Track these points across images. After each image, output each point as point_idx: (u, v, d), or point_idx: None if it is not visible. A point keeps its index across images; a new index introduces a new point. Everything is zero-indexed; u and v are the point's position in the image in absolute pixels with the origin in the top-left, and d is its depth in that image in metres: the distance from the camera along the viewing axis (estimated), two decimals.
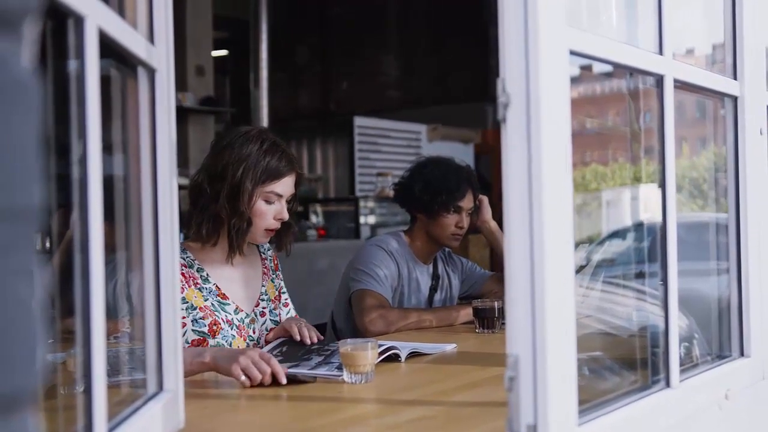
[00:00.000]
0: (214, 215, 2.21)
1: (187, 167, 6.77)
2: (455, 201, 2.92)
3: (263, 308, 2.36)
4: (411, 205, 3.03)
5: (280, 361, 1.97)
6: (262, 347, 2.29)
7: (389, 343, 2.19)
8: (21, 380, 0.56)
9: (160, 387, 1.36)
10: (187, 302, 2.18)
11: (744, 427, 1.79)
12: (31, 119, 0.57)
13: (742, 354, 1.79)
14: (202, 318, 2.19)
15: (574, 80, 1.22)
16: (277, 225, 2.27)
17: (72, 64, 0.97)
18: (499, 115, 1.17)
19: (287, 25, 9.36)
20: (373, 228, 6.98)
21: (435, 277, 3.08)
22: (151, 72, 1.33)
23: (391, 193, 4.13)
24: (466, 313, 2.80)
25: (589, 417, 1.25)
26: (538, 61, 1.13)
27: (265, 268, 2.43)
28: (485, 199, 3.09)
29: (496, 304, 2.65)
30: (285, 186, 2.26)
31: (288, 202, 2.30)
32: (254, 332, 2.31)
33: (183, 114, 6.90)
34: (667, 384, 1.49)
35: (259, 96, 7.83)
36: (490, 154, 7.88)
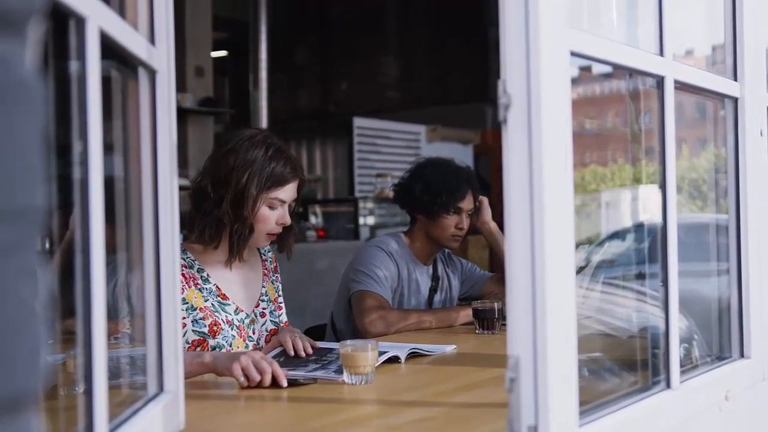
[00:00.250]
0: (217, 220, 2.20)
1: (187, 168, 6.77)
2: (455, 202, 2.92)
3: (263, 309, 2.36)
4: (411, 206, 3.03)
5: (280, 366, 1.97)
6: (261, 348, 2.29)
7: (388, 346, 2.19)
8: (24, 381, 0.56)
9: (161, 388, 1.36)
10: (187, 303, 2.18)
11: (744, 428, 1.79)
12: (35, 120, 0.57)
13: (742, 355, 1.79)
14: (202, 318, 2.19)
15: (574, 81, 1.22)
16: (278, 229, 2.27)
17: (73, 65, 0.97)
18: (500, 116, 1.17)
19: (287, 25, 9.36)
20: (373, 229, 6.98)
21: (435, 278, 3.08)
22: (152, 73, 1.33)
23: (390, 193, 4.13)
24: (466, 314, 2.80)
25: (590, 418, 1.25)
26: (539, 63, 1.13)
27: (266, 269, 2.43)
28: (485, 200, 3.09)
29: (495, 305, 2.65)
30: (289, 192, 2.26)
31: (289, 206, 2.30)
32: (254, 333, 2.31)
33: (182, 115, 6.90)
34: (668, 385, 1.49)
35: (259, 97, 7.83)
36: (489, 155, 7.88)
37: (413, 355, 2.19)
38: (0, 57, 0.54)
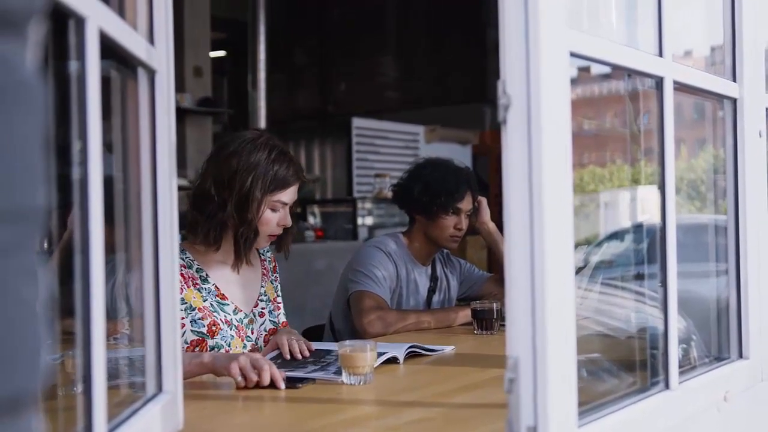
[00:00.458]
0: (221, 223, 2.21)
1: (185, 168, 6.77)
2: (454, 202, 2.92)
3: (262, 309, 2.36)
4: (410, 206, 3.03)
5: (277, 367, 1.97)
6: (260, 348, 2.29)
7: (387, 346, 2.19)
8: (25, 381, 0.56)
9: (159, 388, 1.36)
10: (186, 303, 2.18)
11: (743, 429, 1.79)
12: (35, 120, 0.57)
13: (740, 356, 1.79)
14: (201, 318, 2.19)
15: (572, 82, 1.22)
16: (279, 231, 2.28)
17: (73, 65, 0.97)
18: (499, 116, 1.17)
19: (285, 26, 9.36)
20: (371, 229, 6.97)
21: (433, 278, 3.08)
22: (151, 73, 1.33)
23: (389, 194, 4.13)
24: (465, 315, 2.80)
25: (589, 418, 1.25)
26: (539, 63, 1.13)
27: (265, 269, 2.43)
28: (484, 201, 3.08)
29: (494, 305, 2.65)
30: (291, 195, 2.27)
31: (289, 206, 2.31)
32: (252, 333, 2.31)
33: (181, 115, 6.90)
34: (666, 386, 1.49)
35: (257, 97, 7.83)
36: (487, 156, 7.88)
37: (412, 356, 2.19)
38: (1, 57, 0.54)
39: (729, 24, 1.80)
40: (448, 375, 2.08)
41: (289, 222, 2.28)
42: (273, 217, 2.24)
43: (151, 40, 1.33)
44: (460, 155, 6.88)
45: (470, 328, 2.70)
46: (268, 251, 2.46)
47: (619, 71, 1.58)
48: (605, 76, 1.70)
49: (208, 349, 2.16)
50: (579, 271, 1.85)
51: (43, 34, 0.63)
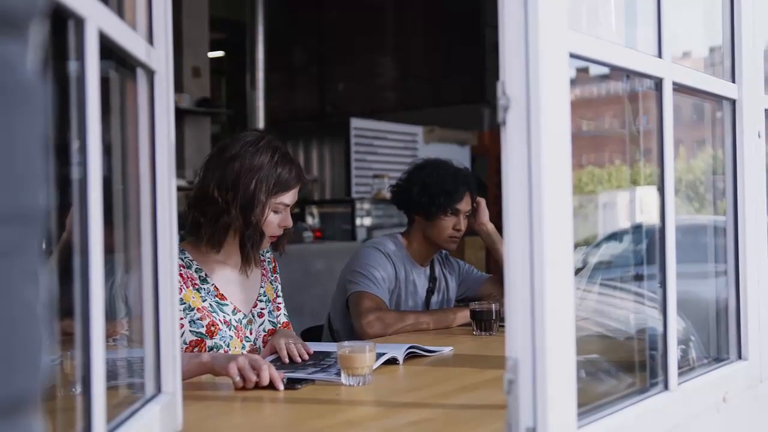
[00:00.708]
0: (226, 226, 2.21)
1: (183, 168, 6.76)
2: (453, 203, 2.91)
3: (261, 309, 2.36)
4: (408, 207, 3.02)
5: (277, 368, 1.97)
6: (259, 349, 2.29)
7: (387, 346, 2.19)
8: (26, 382, 0.56)
9: (159, 389, 1.36)
10: (185, 303, 2.17)
11: (742, 430, 1.80)
12: (37, 122, 0.57)
13: (739, 357, 1.79)
14: (200, 319, 2.19)
15: (571, 82, 1.22)
16: (280, 232, 2.29)
17: (72, 66, 0.97)
18: (499, 117, 1.17)
19: (284, 26, 9.36)
20: (370, 230, 6.97)
21: (432, 279, 3.08)
22: (150, 73, 1.33)
23: (387, 194, 4.13)
24: (464, 316, 2.80)
25: (589, 419, 1.25)
26: (539, 64, 1.13)
27: (264, 269, 2.43)
28: (483, 202, 3.08)
29: (493, 306, 2.65)
30: (293, 196, 2.28)
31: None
32: (251, 333, 2.31)
33: (179, 115, 6.89)
34: (666, 387, 1.49)
35: (256, 97, 7.82)
36: (486, 157, 7.88)
37: (411, 357, 2.19)
38: (3, 58, 0.54)
39: (728, 25, 1.80)
40: (448, 376, 2.08)
41: (290, 223, 2.29)
42: (275, 219, 2.25)
43: (150, 40, 1.33)
44: (459, 156, 6.88)
45: (469, 329, 2.70)
46: (267, 251, 2.46)
47: (617, 72, 1.58)
48: (603, 77, 1.70)
49: (207, 349, 2.16)
50: (578, 272, 1.85)
51: (44, 34, 0.63)
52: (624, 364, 1.69)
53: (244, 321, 2.29)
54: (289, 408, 1.78)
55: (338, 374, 1.89)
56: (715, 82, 1.77)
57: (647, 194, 1.73)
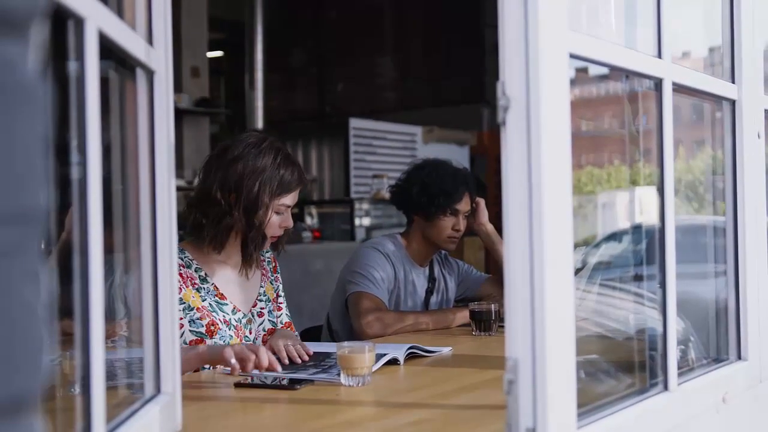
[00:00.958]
0: (228, 227, 2.22)
1: (182, 168, 6.76)
2: (452, 204, 2.91)
3: (261, 308, 2.37)
4: (408, 207, 3.02)
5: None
6: None
7: (386, 347, 2.18)
8: (27, 382, 0.56)
9: (158, 390, 1.36)
10: (184, 303, 2.18)
11: (742, 430, 1.79)
12: (38, 121, 0.57)
13: (739, 357, 1.79)
14: (200, 318, 2.19)
15: (570, 82, 1.22)
16: (281, 232, 2.30)
17: (72, 66, 0.96)
18: (498, 117, 1.16)
19: (283, 26, 9.36)
20: (369, 230, 6.97)
21: (431, 279, 3.08)
22: (150, 74, 1.33)
23: (386, 195, 4.13)
24: (463, 316, 2.80)
25: (588, 420, 1.25)
26: (539, 64, 1.13)
27: (264, 269, 2.43)
28: (482, 202, 3.08)
29: (492, 306, 2.65)
30: (294, 198, 2.30)
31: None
32: (251, 333, 2.31)
33: (178, 115, 6.86)
34: (665, 387, 1.49)
35: (255, 97, 7.82)
36: (485, 157, 7.88)
37: (410, 357, 2.19)
38: (4, 59, 0.54)
39: (728, 26, 1.80)
40: (447, 376, 2.08)
41: (291, 224, 2.30)
42: (277, 220, 2.27)
43: (149, 40, 1.33)
44: (458, 156, 6.88)
45: (468, 330, 2.70)
46: (267, 251, 2.46)
47: (616, 72, 1.58)
48: (603, 77, 1.70)
49: (207, 363, 2.15)
50: (577, 272, 1.85)
51: (45, 35, 0.63)
52: (624, 365, 1.69)
53: (244, 320, 2.29)
54: (288, 408, 1.78)
55: (339, 375, 1.89)
56: (715, 83, 1.77)
57: (647, 194, 1.73)
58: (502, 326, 2.50)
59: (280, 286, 2.49)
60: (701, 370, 1.70)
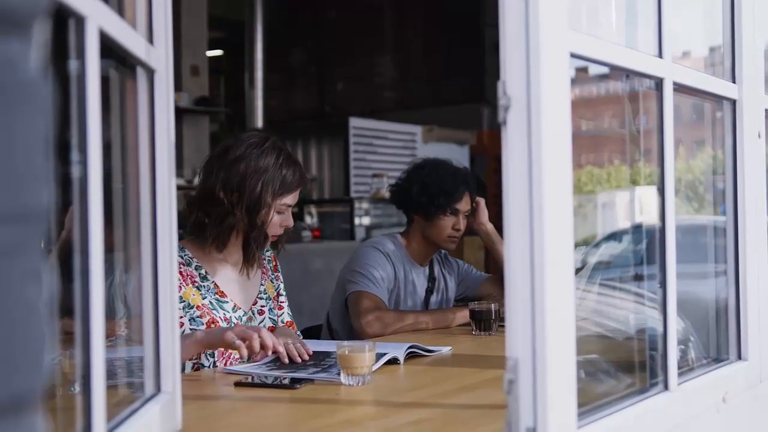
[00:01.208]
0: (230, 227, 2.22)
1: (182, 167, 6.76)
2: (452, 203, 2.91)
3: (262, 306, 2.37)
4: (408, 206, 3.02)
5: (277, 368, 1.98)
6: None
7: (386, 346, 2.18)
8: (29, 381, 0.56)
9: (158, 388, 1.36)
10: (184, 301, 2.18)
11: (742, 430, 1.79)
12: (40, 120, 0.57)
13: (739, 357, 1.79)
14: (200, 317, 2.19)
15: (571, 82, 1.22)
16: (281, 232, 2.31)
17: (72, 64, 0.96)
18: (499, 117, 1.16)
19: (283, 25, 9.36)
20: (368, 229, 6.97)
21: (431, 279, 3.08)
22: (150, 72, 1.33)
23: (386, 194, 4.12)
24: (463, 316, 2.80)
25: (589, 419, 1.25)
26: (539, 64, 1.13)
27: (264, 267, 2.44)
28: (482, 202, 3.08)
29: (493, 306, 2.65)
30: (295, 197, 2.32)
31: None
32: None
33: (178, 114, 6.84)
34: (666, 387, 1.49)
35: (255, 96, 7.82)
36: (485, 156, 7.88)
37: (410, 356, 2.19)
38: (6, 58, 0.54)
39: (728, 25, 1.80)
40: (447, 376, 2.08)
41: (291, 223, 2.31)
42: (278, 219, 2.27)
43: (150, 39, 1.33)
44: (458, 155, 6.88)
45: (468, 329, 2.70)
46: (268, 250, 2.47)
47: (617, 72, 1.58)
48: (603, 77, 1.70)
49: (206, 348, 2.16)
50: (577, 272, 1.85)
51: (47, 33, 0.63)
52: (624, 364, 1.69)
53: (244, 318, 2.30)
54: (288, 407, 1.78)
55: (339, 375, 1.89)
56: (716, 82, 1.77)
57: (647, 194, 1.73)
58: (502, 326, 2.50)
59: (282, 285, 2.49)
60: (701, 370, 1.70)
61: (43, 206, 0.59)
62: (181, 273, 2.20)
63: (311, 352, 2.15)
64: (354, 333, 2.76)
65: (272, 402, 1.79)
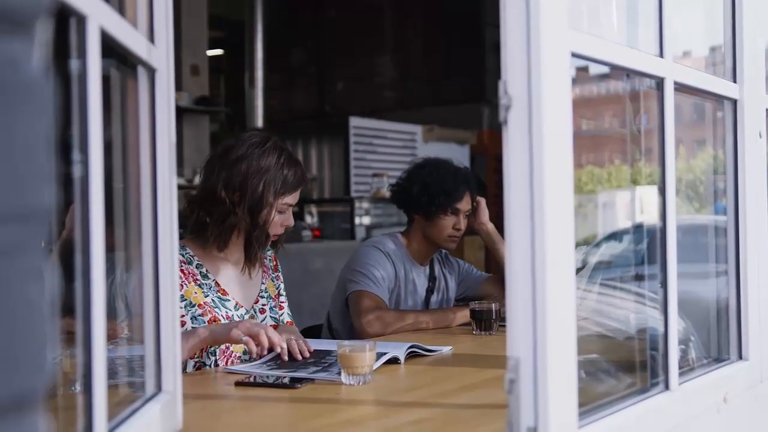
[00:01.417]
0: (231, 226, 2.23)
1: (182, 167, 6.76)
2: (453, 203, 2.91)
3: (263, 305, 2.38)
4: (408, 206, 3.02)
5: (278, 368, 1.98)
6: None
7: (387, 345, 2.18)
8: (32, 381, 0.56)
9: (159, 388, 1.36)
10: (186, 300, 2.18)
11: (743, 430, 1.79)
12: (42, 120, 0.57)
13: (740, 357, 1.79)
14: (201, 315, 2.19)
15: (572, 82, 1.22)
16: (282, 231, 2.31)
17: (74, 63, 0.96)
18: (500, 116, 1.16)
19: (283, 25, 9.36)
20: (369, 229, 6.97)
21: (431, 278, 3.08)
22: (152, 71, 1.33)
23: (386, 193, 4.12)
24: (463, 315, 2.80)
25: (590, 419, 1.25)
26: (540, 63, 1.13)
27: (264, 267, 2.44)
28: (483, 201, 3.08)
29: (493, 306, 2.65)
30: (296, 197, 2.32)
31: None
32: None
33: (178, 113, 6.82)
34: (666, 387, 1.49)
35: (255, 96, 7.82)
36: (485, 156, 7.88)
37: (411, 356, 2.19)
38: (8, 57, 0.54)
39: (729, 25, 1.80)
40: (447, 375, 2.08)
41: (292, 223, 2.32)
42: (279, 219, 2.28)
43: (151, 38, 1.33)
44: (458, 155, 6.87)
45: (469, 329, 2.70)
46: (268, 250, 2.47)
47: (616, 71, 1.58)
48: (603, 76, 1.70)
49: (209, 346, 2.16)
50: (578, 271, 1.85)
51: (49, 33, 0.63)
52: (624, 364, 1.69)
53: (246, 317, 2.30)
54: (289, 407, 1.78)
55: (340, 373, 1.89)
56: (717, 82, 1.76)
57: (647, 194, 1.73)
58: (503, 325, 2.50)
59: (282, 285, 2.50)
60: (702, 370, 1.70)
61: (44, 206, 0.59)
62: (183, 271, 2.20)
63: (312, 350, 2.16)
64: (354, 332, 2.76)
65: (273, 401, 1.79)
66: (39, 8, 0.57)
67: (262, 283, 2.41)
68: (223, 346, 2.19)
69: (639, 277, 1.84)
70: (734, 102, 1.80)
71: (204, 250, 2.29)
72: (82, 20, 0.96)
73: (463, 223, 2.95)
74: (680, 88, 1.55)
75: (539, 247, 1.13)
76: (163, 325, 1.36)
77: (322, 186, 8.10)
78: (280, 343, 2.03)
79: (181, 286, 2.18)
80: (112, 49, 1.12)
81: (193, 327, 2.17)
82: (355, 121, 7.72)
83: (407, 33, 9.34)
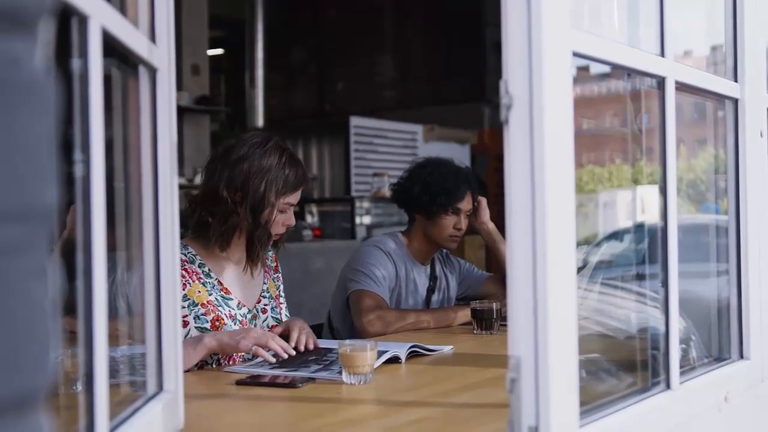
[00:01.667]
0: (233, 226, 2.23)
1: (182, 166, 6.76)
2: (454, 202, 2.91)
3: (265, 305, 2.39)
4: (409, 205, 3.02)
5: (280, 366, 1.98)
6: None
7: (388, 345, 2.18)
8: (35, 379, 0.56)
9: (160, 387, 1.36)
10: (189, 299, 2.19)
11: (744, 429, 1.79)
12: (46, 119, 0.57)
13: (741, 356, 1.79)
14: (204, 314, 2.20)
15: (573, 81, 1.22)
16: (284, 230, 2.32)
17: (75, 63, 0.96)
18: (501, 116, 1.16)
19: (283, 25, 9.36)
20: (369, 228, 6.96)
21: (432, 278, 3.08)
22: (153, 71, 1.33)
23: (387, 193, 4.12)
24: (464, 314, 2.80)
25: (591, 418, 1.25)
26: (542, 63, 1.13)
27: (266, 266, 2.45)
28: (483, 201, 3.08)
29: (494, 305, 2.65)
30: (298, 196, 2.33)
31: None
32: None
33: (179, 113, 6.82)
34: (668, 386, 1.49)
35: (255, 95, 7.82)
36: (486, 155, 7.88)
37: (412, 356, 2.19)
38: (12, 56, 0.54)
39: (731, 24, 1.80)
40: (449, 375, 2.08)
41: (293, 222, 2.33)
42: (280, 218, 2.29)
43: (152, 38, 1.33)
44: (459, 154, 6.88)
45: (470, 328, 2.70)
46: (269, 250, 2.47)
47: (617, 71, 1.58)
48: (604, 76, 1.70)
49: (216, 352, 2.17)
50: (578, 271, 1.85)
51: (52, 32, 0.63)
52: (625, 364, 1.69)
53: (249, 316, 2.31)
54: (290, 406, 1.78)
55: (339, 373, 1.90)
56: (718, 81, 1.76)
57: (648, 193, 1.73)
58: (504, 325, 2.50)
59: (281, 286, 2.50)
60: (703, 369, 1.70)
61: (46, 205, 0.59)
62: (186, 270, 2.21)
63: (317, 345, 2.21)
64: (355, 332, 2.76)
65: (274, 401, 1.79)
66: (41, 8, 0.57)
67: (264, 283, 2.41)
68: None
69: (640, 277, 1.84)
70: (735, 101, 1.80)
71: (206, 250, 2.29)
72: (83, 20, 0.96)
73: (464, 223, 2.95)
74: (681, 87, 1.55)
75: (540, 246, 1.13)
76: (164, 324, 1.36)
77: (322, 185, 8.10)
78: (288, 349, 2.09)
79: (184, 285, 2.18)
80: (113, 48, 1.12)
81: (196, 327, 2.17)
82: (355, 121, 7.72)
83: (407, 32, 9.34)
